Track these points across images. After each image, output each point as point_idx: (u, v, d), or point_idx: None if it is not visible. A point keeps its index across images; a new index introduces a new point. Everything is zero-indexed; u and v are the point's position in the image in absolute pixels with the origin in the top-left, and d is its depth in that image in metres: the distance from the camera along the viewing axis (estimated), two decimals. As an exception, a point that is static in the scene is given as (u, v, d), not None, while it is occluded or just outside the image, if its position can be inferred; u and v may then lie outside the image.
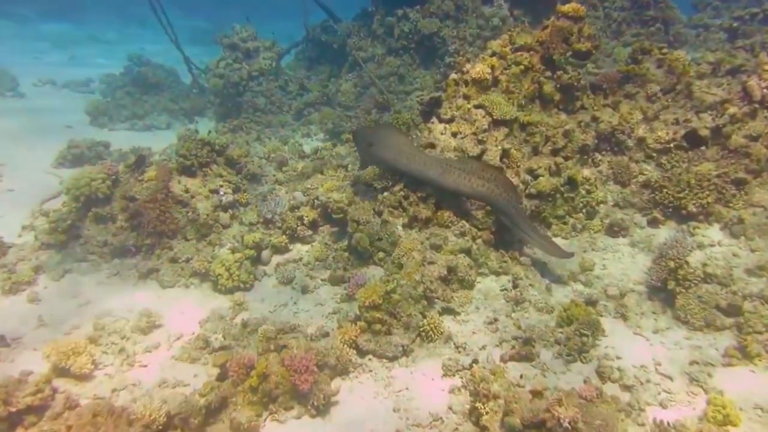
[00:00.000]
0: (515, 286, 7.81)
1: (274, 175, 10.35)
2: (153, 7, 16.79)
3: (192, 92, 18.10)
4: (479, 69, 9.13)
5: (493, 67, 9.21)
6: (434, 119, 9.43)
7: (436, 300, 7.46)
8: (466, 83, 9.31)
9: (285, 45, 18.09)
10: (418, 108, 10.63)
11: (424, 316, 6.98)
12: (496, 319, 7.21)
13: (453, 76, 9.48)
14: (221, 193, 9.35)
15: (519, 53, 9.25)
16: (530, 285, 7.90)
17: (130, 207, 8.88)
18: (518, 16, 14.06)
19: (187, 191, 9.20)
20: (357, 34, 15.56)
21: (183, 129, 13.16)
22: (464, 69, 9.39)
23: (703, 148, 8.72)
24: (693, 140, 8.75)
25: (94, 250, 8.68)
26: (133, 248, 8.73)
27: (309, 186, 9.59)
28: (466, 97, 9.18)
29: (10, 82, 18.84)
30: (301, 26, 17.73)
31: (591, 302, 7.41)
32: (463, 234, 8.23)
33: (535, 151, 8.99)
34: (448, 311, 7.42)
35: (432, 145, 8.92)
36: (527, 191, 8.73)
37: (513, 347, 6.73)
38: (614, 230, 8.63)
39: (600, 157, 9.23)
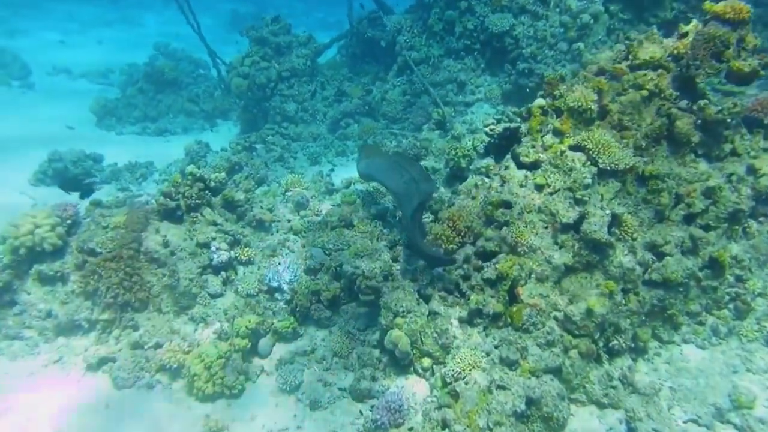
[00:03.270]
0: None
1: (288, 221, 7.80)
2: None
3: (217, 91, 15.73)
4: (580, 93, 6.35)
5: (600, 91, 6.42)
6: (510, 161, 6.70)
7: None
8: (559, 112, 6.54)
9: (329, 37, 15.48)
10: (487, 139, 7.91)
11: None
12: None
13: (540, 101, 6.71)
14: (213, 248, 6.86)
15: (640, 72, 6.39)
16: (654, 431, 5.16)
17: (90, 263, 6.51)
18: (615, 12, 11.05)
19: (166, 245, 6.76)
20: (409, 30, 12.82)
21: (193, 142, 10.75)
22: (557, 91, 6.61)
23: None
24: None
25: (33, 324, 6.34)
26: (86, 324, 6.35)
27: (332, 244, 6.99)
28: (559, 134, 6.42)
29: (20, 70, 16.91)
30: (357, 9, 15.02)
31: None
32: (550, 344, 5.52)
33: (660, 218, 6.16)
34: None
35: (506, 204, 6.20)
36: (646, 276, 5.93)
37: None
38: (779, 343, 5.79)
39: (758, 227, 6.34)
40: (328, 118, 12.82)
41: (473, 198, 6.94)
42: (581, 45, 11.09)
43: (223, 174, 7.47)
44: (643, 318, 5.88)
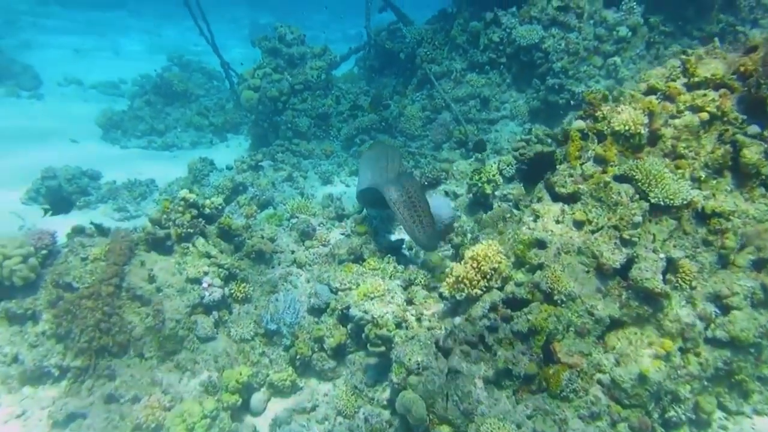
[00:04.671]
0: None
1: (292, 252, 6.98)
2: (185, -1, 13.84)
3: (229, 104, 15.09)
4: (627, 116, 5.46)
5: (651, 114, 5.53)
6: (543, 192, 5.83)
7: None
8: (602, 137, 5.67)
9: (349, 47, 14.79)
10: (514, 164, 7.07)
11: None
12: None
13: (579, 123, 5.84)
14: (205, 283, 6.06)
15: (699, 92, 5.50)
16: None
17: (63, 300, 5.75)
18: (656, 24, 10.14)
19: (152, 280, 5.98)
20: (430, 42, 12.01)
21: (197, 160, 10.02)
22: (600, 113, 5.74)
23: None
24: None
25: (-3, 370, 5.58)
26: (56, 371, 5.57)
27: (339, 282, 6.16)
28: (602, 161, 5.55)
29: (31, 80, 16.44)
30: (376, 19, 14.31)
31: None
32: (595, 416, 4.61)
33: (724, 263, 5.22)
34: None
35: (540, 243, 5.32)
36: (709, 333, 5.00)
37: None
38: None
39: (840, 278, 5.38)
40: (342, 134, 12.05)
41: (500, 233, 6.08)
42: (617, 59, 10.21)
43: (220, 200, 6.69)
44: (706, 384, 4.94)
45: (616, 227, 5.14)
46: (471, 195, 7.80)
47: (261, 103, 12.08)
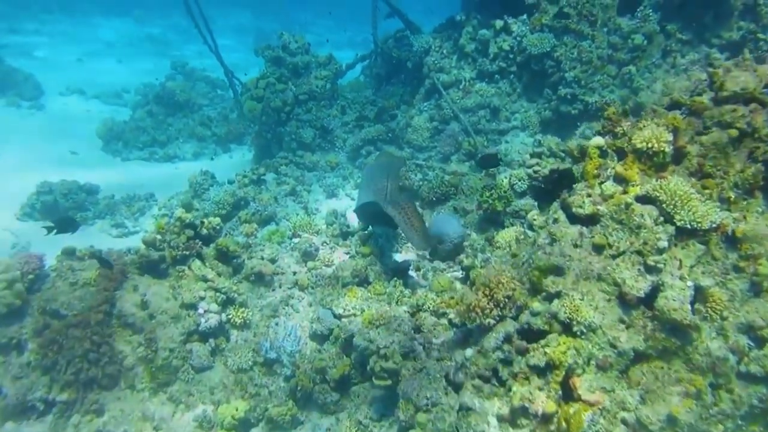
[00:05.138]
0: None
1: (294, 273, 6.64)
2: (186, 3, 13.56)
3: (232, 114, 14.82)
4: (650, 132, 5.09)
5: (675, 130, 5.16)
6: (559, 212, 5.47)
7: None
8: (622, 154, 5.31)
9: (355, 56, 14.46)
10: (526, 179, 6.71)
11: None
12: None
13: (598, 140, 5.48)
14: (201, 310, 5.74)
15: (728, 107, 5.13)
16: None
17: (50, 329, 5.43)
18: (672, 32, 9.76)
19: (144, 306, 5.67)
20: (438, 50, 11.68)
21: (198, 173, 9.70)
22: (620, 128, 5.39)
23: None
24: None
25: (-20, 404, 5.26)
26: (41, 405, 5.25)
27: (343, 308, 5.81)
28: (623, 181, 5.18)
29: (32, 90, 16.21)
30: (383, 27, 13.99)
31: None
32: (620, 462, 4.24)
33: (757, 291, 4.83)
34: None
35: (557, 270, 4.95)
36: (742, 367, 4.61)
37: None
38: None
39: None
40: (348, 145, 11.73)
41: (513, 256, 5.72)
42: (632, 68, 9.83)
43: (218, 219, 6.37)
44: (739, 423, 4.55)
45: (639, 252, 4.77)
46: (481, 211, 7.46)
47: (264, 114, 11.79)
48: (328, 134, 11.76)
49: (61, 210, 9.08)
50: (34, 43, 23.20)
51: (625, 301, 4.69)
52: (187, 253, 5.98)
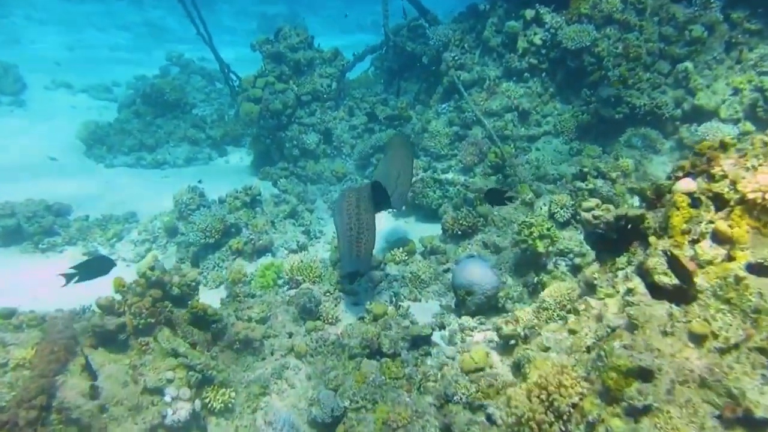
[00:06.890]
0: None
1: (289, 335, 5.35)
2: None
3: (229, 112, 13.48)
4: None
5: (803, 172, 3.79)
6: (635, 280, 4.13)
7: None
8: (723, 203, 3.96)
9: (360, 41, 13.04)
10: (589, 225, 5.33)
11: None
12: None
13: (687, 184, 4.12)
14: (168, 397, 4.47)
15: None
16: None
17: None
18: (739, 20, 8.29)
19: (94, 395, 4.40)
20: (458, 44, 10.25)
21: (186, 189, 8.38)
22: (718, 168, 4.02)
23: None
24: None
25: None
26: None
27: (349, 398, 4.52)
28: (725, 241, 3.84)
29: (13, 84, 14.87)
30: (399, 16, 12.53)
31: None
32: None
33: None
34: None
35: (644, 373, 3.62)
36: None
37: None
38: None
39: None
40: (356, 152, 10.38)
41: (572, 333, 4.39)
42: (689, 65, 8.37)
43: (195, 273, 5.08)
44: None
45: (762, 350, 3.44)
46: (518, 250, 6.13)
47: (262, 117, 10.44)
48: (335, 139, 10.42)
49: (25, 236, 7.84)
50: (21, 30, 21.85)
51: (745, 420, 3.36)
52: (153, 320, 4.70)
